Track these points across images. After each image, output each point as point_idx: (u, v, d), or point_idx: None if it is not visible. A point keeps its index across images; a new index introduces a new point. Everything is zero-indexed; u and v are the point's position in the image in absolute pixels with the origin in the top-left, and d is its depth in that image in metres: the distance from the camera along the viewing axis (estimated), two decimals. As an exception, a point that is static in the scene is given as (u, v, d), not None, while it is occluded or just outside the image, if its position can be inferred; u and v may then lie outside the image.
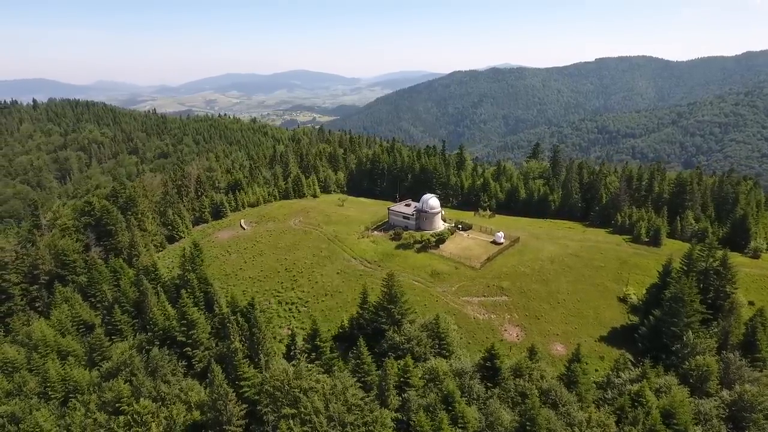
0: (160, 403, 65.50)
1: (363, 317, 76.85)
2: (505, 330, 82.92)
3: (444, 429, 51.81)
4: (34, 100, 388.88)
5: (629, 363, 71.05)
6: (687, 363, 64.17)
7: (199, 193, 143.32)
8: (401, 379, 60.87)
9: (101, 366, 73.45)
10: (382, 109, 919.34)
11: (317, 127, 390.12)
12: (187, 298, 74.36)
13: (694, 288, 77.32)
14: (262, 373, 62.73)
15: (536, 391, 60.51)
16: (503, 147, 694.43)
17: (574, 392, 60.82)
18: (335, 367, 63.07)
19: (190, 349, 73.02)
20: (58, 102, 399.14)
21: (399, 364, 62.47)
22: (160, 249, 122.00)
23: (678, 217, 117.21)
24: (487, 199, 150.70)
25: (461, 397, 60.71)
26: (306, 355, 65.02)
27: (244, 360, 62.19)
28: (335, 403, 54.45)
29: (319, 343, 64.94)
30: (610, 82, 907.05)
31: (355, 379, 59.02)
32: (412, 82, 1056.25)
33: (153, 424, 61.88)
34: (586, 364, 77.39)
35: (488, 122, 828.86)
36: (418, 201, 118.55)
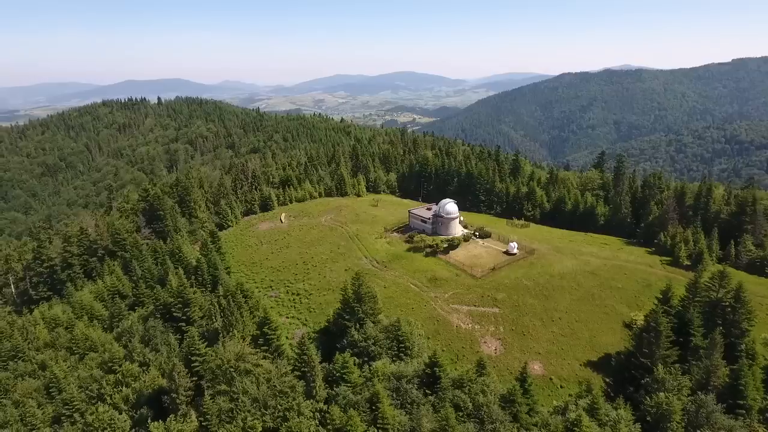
0: (145, 367, 74.98)
1: (339, 313, 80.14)
2: (485, 342, 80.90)
3: (353, 425, 53.57)
4: (159, 98, 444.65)
5: (604, 390, 66.59)
6: (648, 399, 58.39)
7: (254, 187, 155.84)
8: (338, 375, 63.29)
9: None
10: (482, 111, 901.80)
11: (400, 128, 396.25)
12: (185, 278, 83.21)
13: (698, 320, 69.94)
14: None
15: (470, 404, 59.56)
16: (611, 155, 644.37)
17: (508, 411, 58.53)
18: (285, 355, 67.26)
19: (184, 324, 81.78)
20: (176, 100, 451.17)
21: (340, 360, 64.81)
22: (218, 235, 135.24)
23: (733, 242, 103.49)
24: (531, 208, 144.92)
25: (395, 399, 61.89)
26: (254, 340, 69.99)
27: (200, 339, 68.66)
28: (263, 386, 58.74)
29: (267, 330, 69.53)
30: (748, 85, 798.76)
31: (291, 368, 62.75)
32: (518, 85, 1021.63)
33: (133, 384, 71.38)
34: (561, 387, 74.00)
35: (597, 127, 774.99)
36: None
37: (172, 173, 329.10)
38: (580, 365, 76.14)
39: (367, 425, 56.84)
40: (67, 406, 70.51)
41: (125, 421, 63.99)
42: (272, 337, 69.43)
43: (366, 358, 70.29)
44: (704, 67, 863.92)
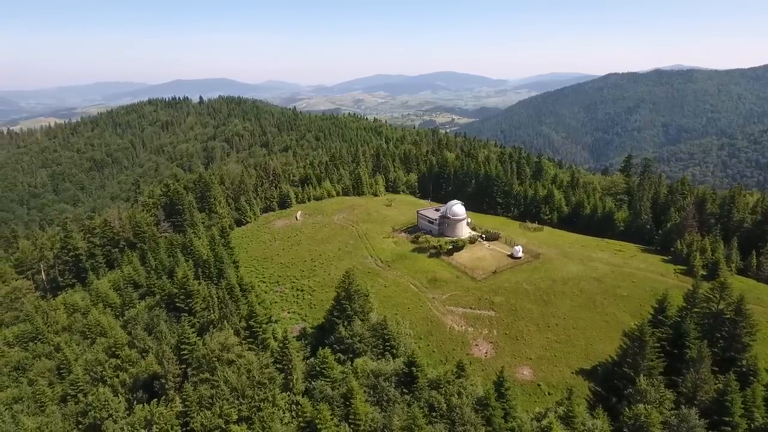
0: (145, 353, 78.89)
1: (330, 310, 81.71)
2: (476, 345, 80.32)
3: (322, 418, 54.84)
4: (201, 97, 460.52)
5: (589, 399, 65.21)
6: (627, 410, 56.66)
7: (274, 184, 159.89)
8: (318, 370, 64.71)
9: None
10: (522, 112, 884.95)
11: (431, 128, 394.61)
12: (188, 271, 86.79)
13: (694, 331, 67.19)
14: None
15: (443, 404, 59.64)
16: (657, 158, 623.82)
17: (481, 415, 58.23)
18: (269, 347, 69.31)
19: (186, 315, 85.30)
20: (217, 99, 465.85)
21: (321, 355, 66.19)
22: (228, 230, 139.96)
23: (755, 252, 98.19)
24: (548, 212, 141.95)
25: (371, 396, 62.79)
26: (240, 332, 72.34)
27: (196, 329, 71.74)
28: (243, 377, 60.93)
29: (253, 323, 71.71)
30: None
31: (273, 360, 64.68)
32: (562, 85, 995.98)
33: (131, 369, 75.38)
34: (549, 394, 72.55)
35: (643, 130, 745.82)
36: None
37: (207, 169, 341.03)
38: (572, 373, 74.44)
39: (340, 419, 58.10)
40: (72, 387, 75.33)
41: (119, 402, 67.83)
42: (258, 330, 71.69)
43: (351, 355, 71.43)
44: (764, 66, 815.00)
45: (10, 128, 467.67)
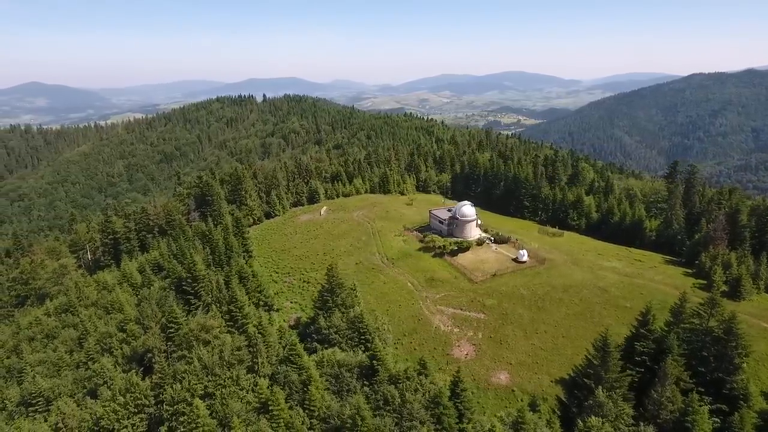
0: (148, 329, 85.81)
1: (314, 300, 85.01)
2: (459, 346, 79.97)
3: (275, 400, 57.84)
4: (264, 95, 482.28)
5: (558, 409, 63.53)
6: (580, 422, 54.69)
7: (305, 180, 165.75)
8: (286, 356, 67.77)
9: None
10: (593, 114, 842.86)
11: (484, 129, 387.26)
12: (195, 257, 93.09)
13: (678, 348, 63.31)
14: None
15: (398, 399, 60.56)
16: (743, 166, 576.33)
17: (431, 413, 58.57)
18: (247, 332, 73.38)
19: (192, 297, 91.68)
20: (281, 97, 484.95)
21: (290, 342, 69.24)
22: (257, 222, 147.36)
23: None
24: (576, 217, 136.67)
25: (333, 385, 65.05)
26: (221, 316, 76.83)
27: (180, 309, 77.33)
28: (216, 356, 65.28)
29: (232, 308, 75.90)
30: None
31: (246, 343, 68.58)
32: (639, 86, 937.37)
33: (133, 343, 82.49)
34: (521, 400, 70.84)
35: (729, 135, 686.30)
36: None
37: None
38: (551, 381, 72.43)
39: (296, 403, 60.91)
40: (86, 355, 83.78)
41: (116, 372, 74.81)
42: (237, 314, 75.97)
43: (326, 345, 73.99)
44: None
45: (97, 122, 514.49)
